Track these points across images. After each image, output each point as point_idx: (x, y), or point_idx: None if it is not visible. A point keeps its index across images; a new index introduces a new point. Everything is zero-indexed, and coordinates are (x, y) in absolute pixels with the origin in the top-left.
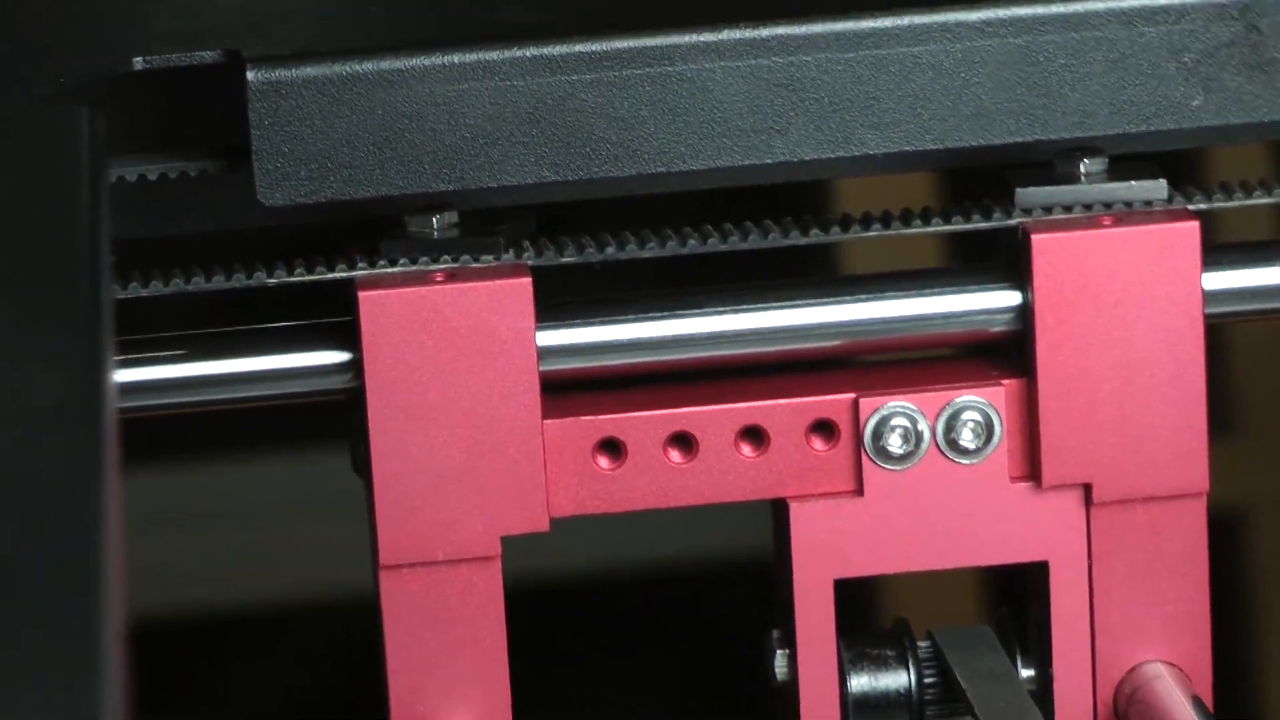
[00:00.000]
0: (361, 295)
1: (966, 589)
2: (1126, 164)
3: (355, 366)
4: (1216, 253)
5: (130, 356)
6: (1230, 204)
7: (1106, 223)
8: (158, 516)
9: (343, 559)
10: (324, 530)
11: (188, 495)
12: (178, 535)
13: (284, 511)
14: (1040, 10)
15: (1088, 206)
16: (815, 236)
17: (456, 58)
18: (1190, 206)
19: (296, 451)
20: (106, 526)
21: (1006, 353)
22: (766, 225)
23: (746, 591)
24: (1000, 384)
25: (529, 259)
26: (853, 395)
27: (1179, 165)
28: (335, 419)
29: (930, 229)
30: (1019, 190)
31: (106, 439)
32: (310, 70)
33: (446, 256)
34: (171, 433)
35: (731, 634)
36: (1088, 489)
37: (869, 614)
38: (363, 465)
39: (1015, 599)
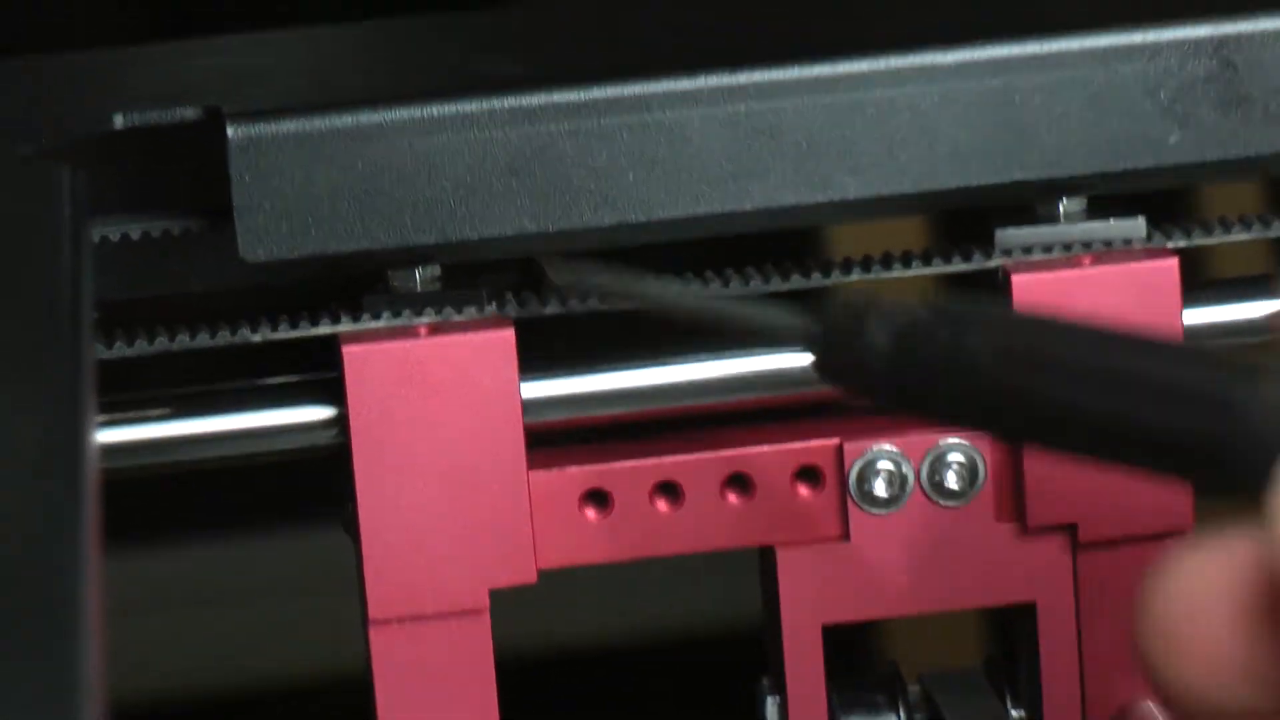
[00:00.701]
0: (345, 350)
1: (959, 630)
2: (1106, 203)
3: (341, 422)
4: (1197, 289)
5: (115, 416)
6: (1210, 240)
7: (1086, 262)
8: (152, 598)
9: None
10: (323, 606)
11: (185, 575)
12: (176, 615)
13: (281, 589)
14: (1016, 51)
15: (1067, 246)
16: (795, 282)
17: (434, 110)
18: (1169, 244)
19: (291, 527)
20: (86, 585)
21: None
22: (747, 272)
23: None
24: None
25: (511, 311)
26: (837, 441)
27: (1166, 203)
28: (329, 492)
29: (911, 272)
30: (999, 231)
31: (86, 496)
32: (289, 125)
33: (429, 310)
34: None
35: (724, 688)
36: (1073, 530)
37: (861, 657)
38: (350, 521)
39: (1006, 640)
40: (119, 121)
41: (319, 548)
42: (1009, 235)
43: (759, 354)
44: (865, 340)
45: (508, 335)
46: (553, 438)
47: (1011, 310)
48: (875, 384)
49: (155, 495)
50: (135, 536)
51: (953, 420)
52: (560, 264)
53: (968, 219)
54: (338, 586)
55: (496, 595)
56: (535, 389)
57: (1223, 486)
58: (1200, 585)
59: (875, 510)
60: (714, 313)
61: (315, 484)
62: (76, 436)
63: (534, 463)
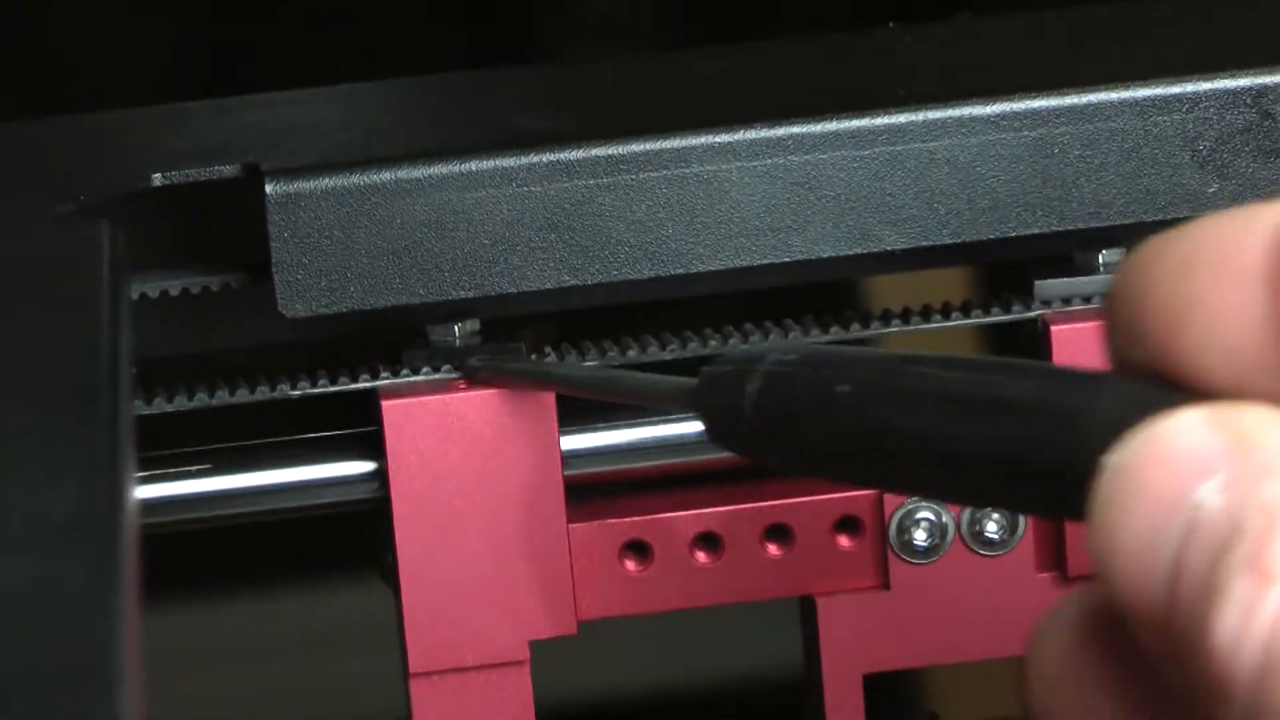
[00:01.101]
0: (385, 404)
1: (999, 679)
2: None
3: (380, 476)
4: None
5: (155, 472)
6: None
7: None
8: (191, 652)
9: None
10: (360, 660)
11: (222, 629)
12: (215, 670)
13: (319, 644)
14: (1054, 102)
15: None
16: (834, 334)
17: (473, 165)
18: None
19: (329, 581)
20: (123, 641)
21: None
22: (786, 324)
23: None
24: None
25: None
26: (877, 491)
27: None
28: (365, 546)
29: (951, 324)
30: (1037, 283)
31: (125, 553)
32: (328, 181)
33: (447, 367)
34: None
35: None
36: None
37: (902, 706)
38: (390, 574)
39: None
40: (158, 179)
41: (358, 602)
42: (1048, 286)
43: None
44: (734, 400)
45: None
46: (592, 489)
47: (867, 349)
48: (749, 442)
49: (194, 549)
50: (174, 591)
51: (819, 471)
52: (479, 359)
53: (1007, 269)
54: (377, 640)
55: (537, 646)
56: (575, 441)
57: (1069, 510)
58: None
59: (915, 560)
60: (611, 386)
61: (353, 537)
62: (115, 493)
63: (573, 515)
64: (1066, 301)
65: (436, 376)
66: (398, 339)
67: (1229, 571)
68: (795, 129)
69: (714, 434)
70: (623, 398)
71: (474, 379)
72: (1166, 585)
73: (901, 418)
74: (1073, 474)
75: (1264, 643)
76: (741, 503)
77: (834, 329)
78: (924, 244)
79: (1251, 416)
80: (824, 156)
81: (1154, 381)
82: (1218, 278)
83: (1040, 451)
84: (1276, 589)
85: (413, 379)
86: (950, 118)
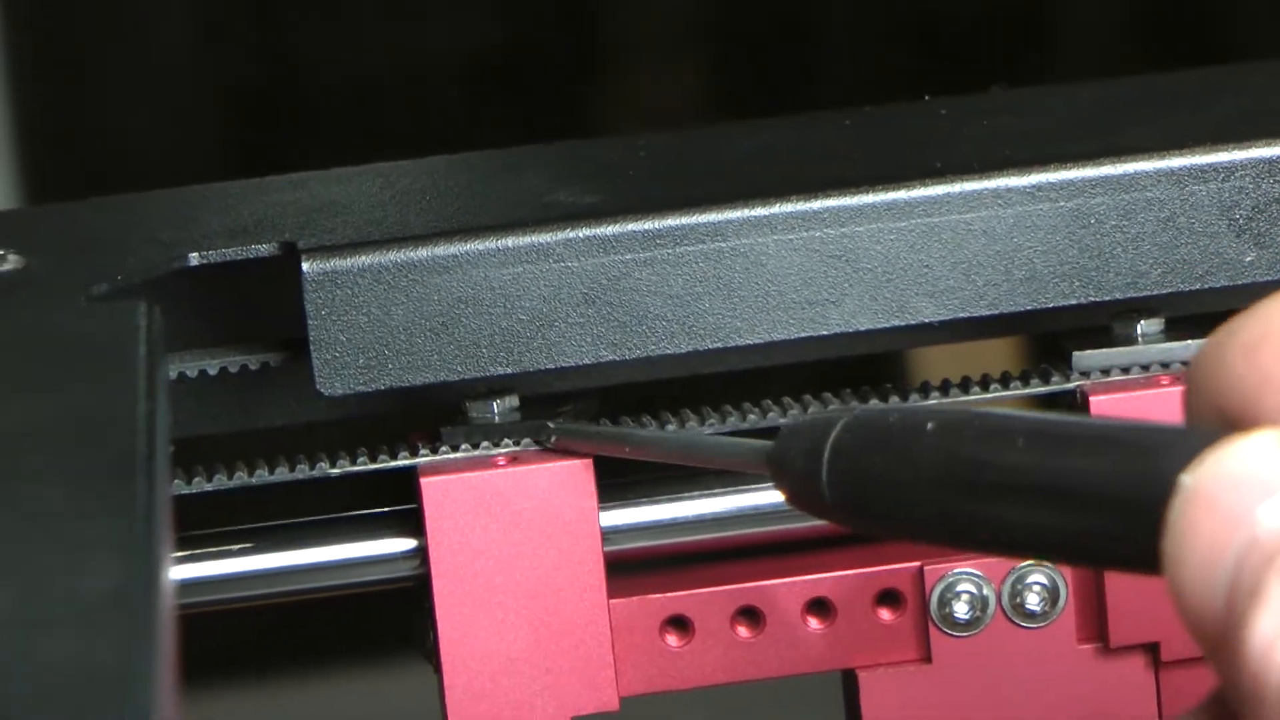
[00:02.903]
0: (424, 482)
1: None
2: (1184, 324)
3: (421, 554)
4: None
5: (195, 551)
6: None
7: (1164, 382)
8: None
9: None
10: None
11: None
12: None
13: None
14: (1090, 173)
15: (1145, 367)
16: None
17: (510, 241)
18: None
19: (369, 667)
20: (161, 716)
21: None
22: (824, 396)
23: None
24: None
25: (560, 452)
26: (918, 564)
27: None
28: (405, 627)
29: (990, 395)
30: (1075, 354)
31: (162, 632)
32: (365, 259)
33: (508, 440)
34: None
35: None
36: (1155, 649)
37: None
38: (431, 651)
39: None
40: (194, 258)
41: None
42: (1086, 357)
43: None
44: (815, 449)
45: (586, 464)
46: (632, 565)
47: (941, 413)
48: (825, 494)
49: (234, 629)
50: (214, 674)
51: (896, 516)
52: (556, 424)
53: (1045, 340)
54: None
55: None
56: (614, 517)
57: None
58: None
59: (956, 633)
60: (687, 449)
61: (392, 618)
62: (152, 571)
63: (614, 590)
64: (1105, 372)
65: (476, 454)
66: (436, 415)
67: (1272, 578)
68: (832, 202)
69: (790, 490)
70: (700, 461)
71: (549, 445)
72: (1225, 599)
73: (991, 451)
74: (1154, 505)
75: None
76: (782, 576)
77: (873, 402)
78: (961, 315)
79: None
80: (860, 229)
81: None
82: None
83: (1128, 482)
84: None
85: (452, 456)
86: (986, 189)
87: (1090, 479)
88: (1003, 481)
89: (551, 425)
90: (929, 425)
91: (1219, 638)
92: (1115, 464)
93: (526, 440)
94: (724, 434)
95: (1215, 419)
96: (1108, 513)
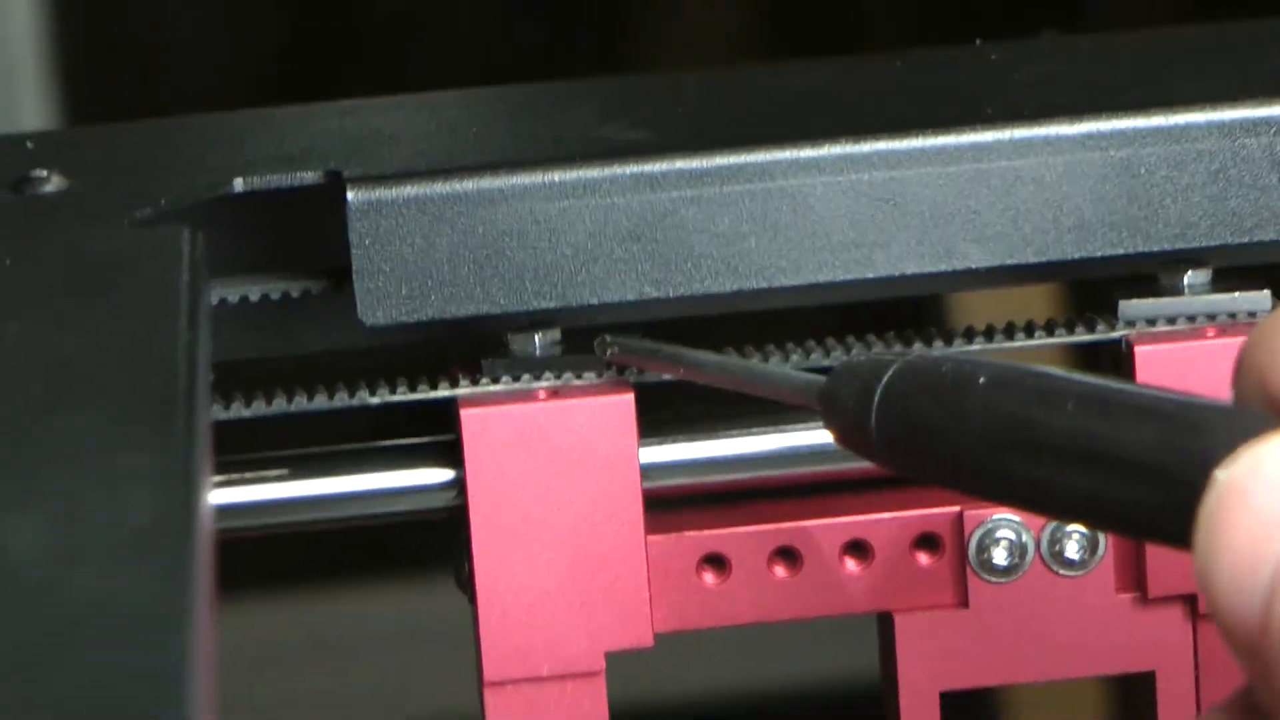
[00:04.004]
0: (464, 413)
1: (1077, 698)
2: (1231, 275)
3: (459, 485)
4: None
5: (232, 477)
6: None
7: (1211, 334)
8: (266, 649)
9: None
10: (435, 660)
11: (300, 626)
12: (294, 668)
13: (394, 642)
14: (1141, 123)
15: (1191, 318)
16: (918, 351)
17: (557, 176)
18: None
19: (405, 579)
20: (195, 647)
21: None
22: (868, 339)
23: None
24: None
25: (631, 376)
26: (957, 509)
27: None
28: (442, 544)
29: (1034, 343)
30: (1122, 303)
31: (199, 561)
32: (410, 190)
33: (549, 374)
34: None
35: None
36: (1193, 600)
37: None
38: (467, 582)
39: (1124, 709)
40: (239, 185)
41: (432, 602)
42: (1133, 306)
43: None
44: (865, 392)
45: (627, 400)
46: (671, 502)
47: (993, 366)
48: (873, 436)
49: (269, 549)
50: (248, 590)
51: (940, 467)
52: (607, 338)
53: (1091, 288)
54: (452, 641)
55: (612, 656)
56: (654, 453)
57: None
58: None
59: (994, 579)
60: (742, 375)
61: (430, 539)
62: (191, 499)
63: (651, 527)
64: (1151, 322)
65: (516, 386)
66: (478, 348)
67: None
68: (881, 145)
69: (838, 428)
70: (752, 388)
71: (607, 358)
72: (1263, 604)
73: (1039, 411)
74: (1191, 486)
75: None
76: (821, 517)
77: (916, 344)
78: (1008, 262)
79: None
80: (909, 173)
81: None
82: None
83: (1169, 458)
84: None
85: (493, 388)
86: (1037, 137)
87: (1133, 450)
88: (1047, 443)
89: (609, 338)
90: (980, 379)
91: (1253, 643)
92: (1159, 437)
93: (568, 374)
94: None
95: (1262, 402)
96: (1147, 486)
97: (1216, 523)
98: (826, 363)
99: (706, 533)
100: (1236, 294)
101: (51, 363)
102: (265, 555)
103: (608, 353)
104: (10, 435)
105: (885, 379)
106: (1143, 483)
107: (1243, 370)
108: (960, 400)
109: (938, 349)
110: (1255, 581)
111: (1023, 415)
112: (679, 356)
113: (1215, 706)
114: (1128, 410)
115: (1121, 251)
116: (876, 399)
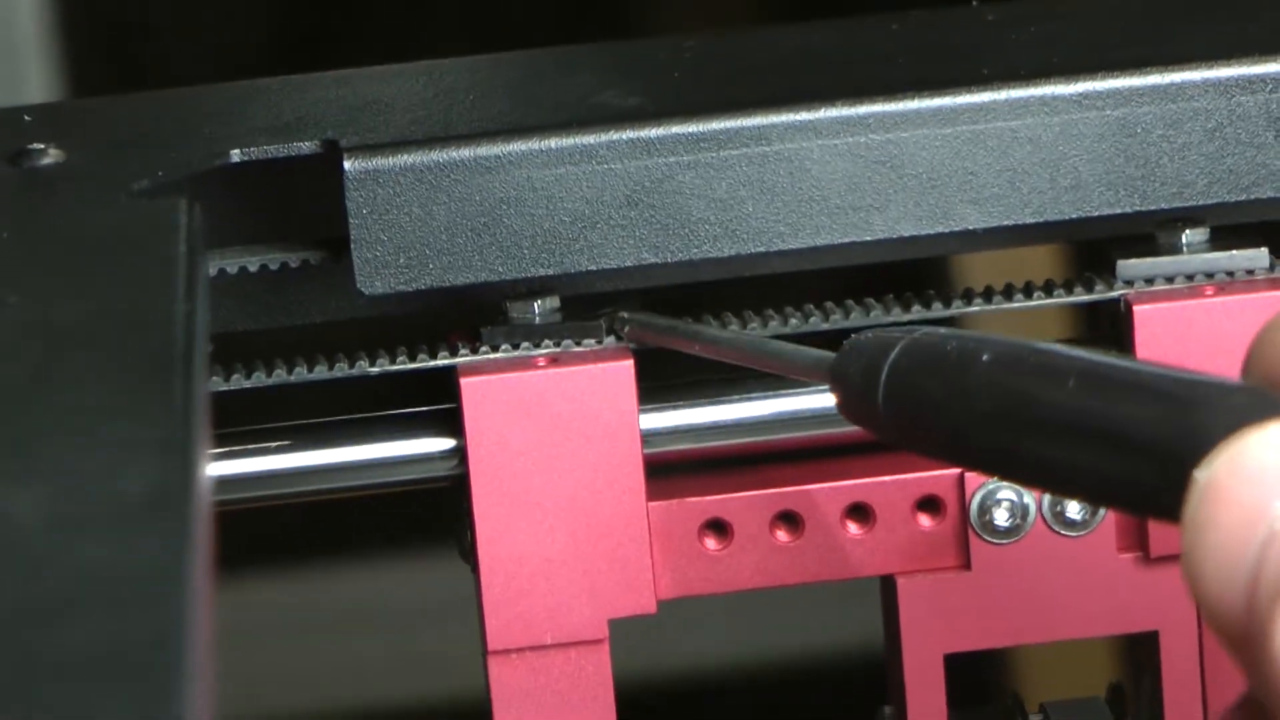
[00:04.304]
0: (464, 382)
1: (1081, 659)
2: (1229, 234)
3: (459, 453)
4: None
5: (234, 448)
6: None
7: (1209, 292)
8: (272, 621)
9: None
10: (441, 634)
11: (304, 599)
12: (296, 641)
13: (398, 616)
14: (1137, 82)
15: (1190, 277)
16: (916, 313)
17: (553, 142)
18: None
19: (410, 552)
20: (192, 618)
21: None
22: (867, 303)
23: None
24: None
25: (630, 342)
26: (958, 471)
27: None
28: (447, 516)
29: (1033, 304)
30: (1120, 262)
31: (198, 530)
32: (407, 158)
33: (548, 341)
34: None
35: (844, 716)
36: None
37: (983, 686)
38: (469, 552)
39: (1128, 669)
40: (236, 155)
41: (436, 574)
42: (1131, 266)
43: None
44: (873, 367)
45: (627, 366)
46: (672, 468)
47: (998, 343)
48: (879, 409)
49: (272, 522)
50: (251, 563)
51: (942, 441)
52: (624, 315)
53: (1089, 248)
54: (456, 614)
55: (615, 624)
56: (654, 420)
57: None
58: None
59: (996, 540)
60: (753, 351)
61: (432, 510)
62: (189, 470)
63: (653, 493)
64: (1149, 281)
65: (516, 354)
66: (477, 316)
67: None
68: (877, 107)
69: (846, 403)
70: (765, 365)
71: (620, 334)
72: (1245, 595)
73: (1041, 388)
74: (1187, 465)
75: None
76: (822, 481)
77: (916, 307)
78: (1006, 223)
79: None
80: (906, 135)
81: None
82: None
83: (1167, 437)
84: None
85: (492, 356)
86: (1033, 96)
87: (1132, 427)
88: (1049, 419)
89: (625, 315)
90: (984, 356)
91: (1241, 637)
92: (1158, 415)
93: (567, 341)
94: (780, 337)
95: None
96: (1146, 464)
97: (1198, 524)
98: (825, 326)
99: (708, 498)
100: (1234, 252)
101: (50, 334)
102: (265, 527)
103: (625, 329)
104: (9, 406)
105: (892, 356)
106: (1142, 461)
107: (1251, 359)
108: (964, 377)
109: (937, 310)
110: (1237, 575)
111: (1025, 392)
112: (696, 334)
113: (1228, 708)
114: (1128, 388)
115: (1119, 211)
116: (883, 376)
